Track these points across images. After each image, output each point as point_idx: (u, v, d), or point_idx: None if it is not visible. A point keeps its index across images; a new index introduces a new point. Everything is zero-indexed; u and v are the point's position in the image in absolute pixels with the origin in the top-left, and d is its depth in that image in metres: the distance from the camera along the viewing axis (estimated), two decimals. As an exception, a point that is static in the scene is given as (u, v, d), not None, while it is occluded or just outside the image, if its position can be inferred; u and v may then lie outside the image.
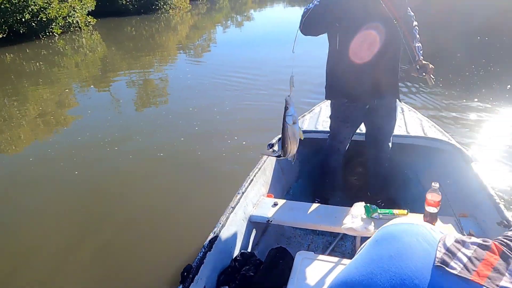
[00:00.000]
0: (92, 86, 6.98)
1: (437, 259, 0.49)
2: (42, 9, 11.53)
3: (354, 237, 1.87)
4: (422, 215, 1.69)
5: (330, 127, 2.13)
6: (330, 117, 2.11)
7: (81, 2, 13.72)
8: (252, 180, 2.01)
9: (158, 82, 7.19)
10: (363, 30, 1.73)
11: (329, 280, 1.30)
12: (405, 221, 0.59)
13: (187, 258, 1.36)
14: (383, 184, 2.27)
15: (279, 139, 2.39)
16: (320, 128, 2.48)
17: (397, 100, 1.99)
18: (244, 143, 3.93)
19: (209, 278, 1.38)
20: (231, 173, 3.24)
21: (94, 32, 13.71)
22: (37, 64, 8.81)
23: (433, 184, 1.59)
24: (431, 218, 1.66)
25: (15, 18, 11.00)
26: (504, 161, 3.27)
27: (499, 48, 7.61)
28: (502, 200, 1.69)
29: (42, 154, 3.97)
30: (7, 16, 10.85)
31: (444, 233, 0.55)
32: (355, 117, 2.02)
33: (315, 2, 1.68)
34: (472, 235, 1.51)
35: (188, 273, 1.25)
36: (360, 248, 0.62)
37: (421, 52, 1.90)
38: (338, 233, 2.01)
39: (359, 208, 1.76)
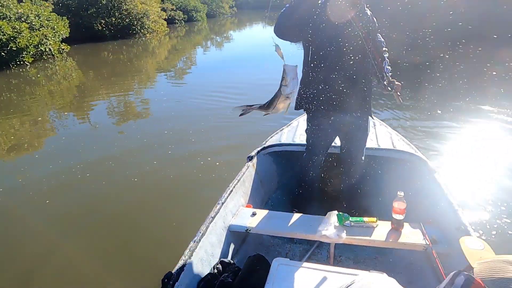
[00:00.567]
0: (67, 113, 7.13)
1: None
2: (11, 38, 11.69)
3: (329, 244, 2.05)
4: (390, 222, 1.91)
5: (306, 139, 2.34)
6: (306, 130, 2.32)
7: (53, 30, 13.97)
8: (231, 191, 2.19)
9: (136, 106, 7.44)
10: (334, 49, 1.92)
11: (304, 286, 1.44)
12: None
13: (168, 266, 1.49)
14: (357, 194, 2.48)
15: (258, 151, 2.64)
16: (297, 141, 2.71)
17: (370, 116, 2.19)
18: (217, 163, 4.15)
19: (189, 285, 1.51)
20: (202, 195, 3.43)
21: (68, 59, 13.92)
22: (8, 94, 8.87)
23: (398, 193, 1.82)
24: (398, 225, 1.88)
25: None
26: (464, 169, 3.67)
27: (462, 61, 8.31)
28: (461, 207, 1.91)
29: (10, 185, 4.04)
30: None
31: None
32: (328, 132, 2.23)
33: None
34: (435, 240, 1.72)
35: (169, 279, 1.38)
36: None
37: (390, 74, 2.08)
38: (315, 241, 2.19)
39: (332, 216, 1.95)
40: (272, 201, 2.74)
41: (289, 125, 3.17)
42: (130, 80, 9.89)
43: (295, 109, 2.21)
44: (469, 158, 3.96)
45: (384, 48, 2.11)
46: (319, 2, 1.91)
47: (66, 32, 14.86)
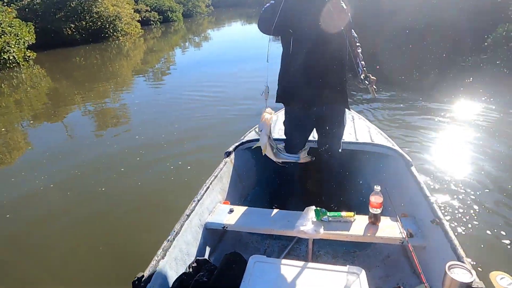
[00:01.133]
0: (33, 122, 7.09)
1: None
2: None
3: (308, 240, 2.12)
4: (368, 216, 2.01)
5: (284, 132, 2.46)
6: (284, 122, 2.43)
7: (17, 36, 13.71)
8: (208, 187, 2.24)
9: (113, 111, 7.47)
10: (314, 40, 2.05)
11: (280, 282, 1.50)
12: None
13: (141, 268, 1.53)
14: (336, 189, 2.59)
15: (236, 146, 2.72)
16: (276, 136, 2.77)
17: (346, 108, 2.33)
18: (189, 167, 4.25)
19: (162, 285, 1.55)
20: (171, 201, 3.52)
21: (36, 66, 13.69)
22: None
23: (375, 187, 1.92)
24: (375, 219, 1.98)
25: None
26: (440, 162, 3.90)
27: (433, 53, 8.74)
28: (436, 200, 2.04)
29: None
30: None
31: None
32: (306, 123, 2.35)
33: (271, 1, 2.01)
34: (411, 234, 1.82)
35: (140, 281, 1.42)
36: None
37: (364, 69, 2.25)
38: (294, 237, 2.28)
39: (310, 212, 2.03)
40: (251, 197, 2.81)
41: None
42: (106, 85, 9.88)
43: (275, 102, 2.34)
44: (444, 148, 4.25)
45: (357, 44, 2.26)
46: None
47: (31, 38, 14.58)
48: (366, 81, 2.20)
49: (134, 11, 24.79)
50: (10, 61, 13.17)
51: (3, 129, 6.62)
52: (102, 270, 2.73)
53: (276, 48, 2.17)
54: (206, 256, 2.01)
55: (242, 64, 10.48)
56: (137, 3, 29.06)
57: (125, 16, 22.31)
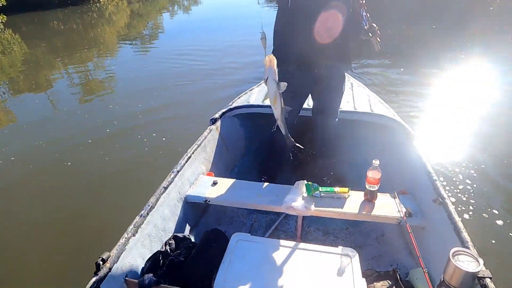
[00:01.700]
0: (5, 91, 6.86)
1: None
2: None
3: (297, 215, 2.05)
4: (364, 192, 1.93)
5: None
6: None
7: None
8: (189, 157, 2.13)
9: (90, 78, 7.28)
10: None
11: (264, 263, 1.43)
12: None
13: (108, 248, 1.44)
14: (330, 161, 2.50)
15: (223, 113, 2.60)
16: (267, 103, 2.67)
17: (346, 73, 2.23)
18: (163, 138, 4.11)
19: (133, 266, 1.47)
20: (144, 175, 3.39)
21: (7, 30, 13.19)
22: None
23: (373, 161, 1.82)
24: (371, 196, 1.90)
25: None
26: (445, 136, 3.79)
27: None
28: (440, 176, 1.94)
29: None
30: None
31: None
32: (301, 87, 2.22)
33: None
34: (410, 213, 1.75)
35: (104, 262, 1.33)
36: None
37: (368, 19, 2.10)
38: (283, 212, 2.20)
39: (300, 186, 1.95)
40: (238, 168, 2.71)
41: (259, 85, 3.15)
42: (88, 52, 9.61)
43: None
44: (447, 120, 4.14)
45: None
46: None
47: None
48: (370, 33, 2.07)
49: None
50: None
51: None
52: (64, 254, 2.59)
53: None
54: (186, 233, 1.93)
55: (233, 29, 10.30)
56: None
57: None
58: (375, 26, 2.07)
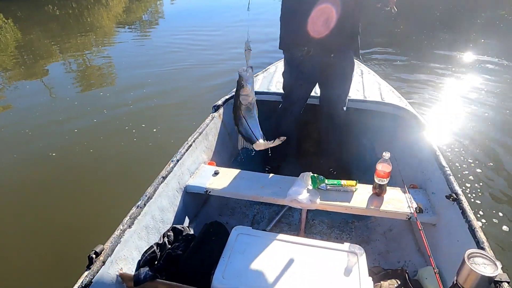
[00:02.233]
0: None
1: None
2: None
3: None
4: (372, 186, 1.89)
5: (283, 85, 2.30)
6: (283, 74, 2.27)
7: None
8: (190, 146, 2.10)
9: (88, 64, 7.21)
10: None
11: (265, 259, 1.40)
12: None
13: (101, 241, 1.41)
14: (336, 151, 2.47)
15: (226, 100, 2.55)
16: (273, 90, 2.64)
17: (356, 60, 2.18)
18: (154, 130, 4.06)
19: (128, 259, 1.45)
20: (141, 166, 3.33)
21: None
22: None
23: (384, 154, 1.77)
24: (380, 190, 1.86)
25: None
26: (460, 127, 3.75)
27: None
28: (454, 170, 1.89)
29: None
30: None
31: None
32: (309, 73, 2.19)
33: None
34: (421, 209, 1.71)
35: (98, 255, 1.30)
36: None
37: None
38: None
39: (306, 178, 1.91)
40: (241, 158, 2.68)
41: (265, 70, 3.12)
42: (85, 37, 9.50)
43: (279, 48, 2.21)
44: (462, 111, 4.10)
45: None
46: None
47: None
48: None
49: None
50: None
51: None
52: (54, 249, 2.53)
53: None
54: (186, 224, 1.91)
55: (235, 15, 10.14)
56: None
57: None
58: None
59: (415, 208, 1.75)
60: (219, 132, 2.45)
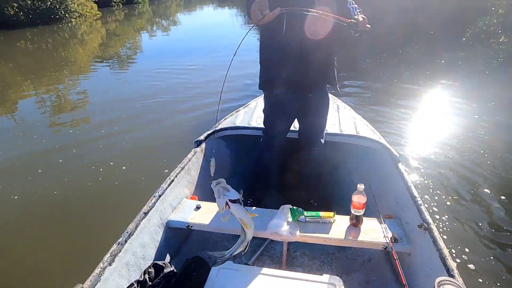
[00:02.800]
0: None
1: None
2: None
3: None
4: (349, 217, 2.00)
5: (264, 121, 2.43)
6: (264, 110, 2.41)
7: None
8: (172, 180, 2.17)
9: (61, 99, 7.28)
10: (307, 18, 1.98)
11: None
12: None
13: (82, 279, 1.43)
14: (316, 183, 2.60)
15: (208, 135, 2.67)
16: (253, 124, 2.77)
17: (333, 94, 2.31)
18: (124, 167, 4.05)
19: None
20: (122, 204, 3.33)
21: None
22: None
23: (358, 186, 1.90)
24: (357, 221, 1.97)
25: None
26: (431, 159, 3.97)
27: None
28: (425, 200, 2.01)
29: None
30: None
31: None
32: (290, 109, 2.34)
33: None
34: (395, 239, 1.82)
35: None
36: None
37: (358, 10, 2.16)
38: None
39: (285, 211, 2.00)
40: None
41: (246, 106, 3.26)
42: (58, 72, 9.57)
43: (259, 88, 2.34)
44: (436, 145, 4.31)
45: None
46: None
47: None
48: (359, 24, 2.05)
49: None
50: None
51: None
52: None
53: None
54: (167, 260, 1.94)
55: (214, 53, 10.46)
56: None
57: (78, -5, 21.94)
58: (357, 18, 2.07)
59: (391, 237, 1.85)
60: (201, 167, 2.54)
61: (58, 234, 3.11)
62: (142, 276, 1.55)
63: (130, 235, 1.72)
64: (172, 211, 2.10)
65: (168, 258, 1.98)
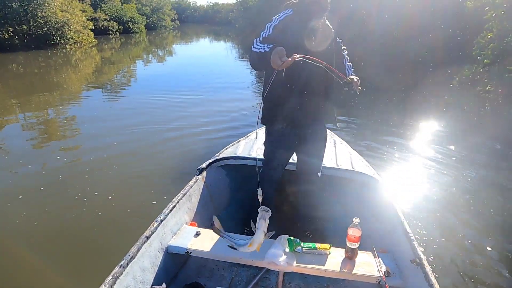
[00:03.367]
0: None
1: None
2: None
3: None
4: (344, 249, 2.09)
5: (264, 153, 2.56)
6: (265, 143, 2.55)
7: None
8: (174, 206, 2.26)
9: (50, 124, 7.29)
10: (305, 70, 2.18)
11: None
12: None
13: None
14: (312, 215, 2.71)
15: (210, 163, 2.81)
16: (253, 155, 2.90)
17: (331, 130, 2.45)
18: (109, 197, 3.98)
19: None
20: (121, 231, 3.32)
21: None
22: None
23: (353, 219, 1.99)
24: (352, 253, 2.06)
25: None
26: (424, 195, 4.10)
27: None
28: (418, 234, 2.11)
29: None
30: None
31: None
32: (290, 143, 2.48)
33: (265, 48, 2.11)
34: (389, 273, 1.91)
35: None
36: None
37: (352, 70, 2.43)
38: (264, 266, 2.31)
39: (283, 241, 2.10)
40: (222, 218, 2.84)
41: (247, 137, 3.42)
42: (48, 96, 9.66)
43: (261, 123, 2.49)
44: (429, 182, 4.47)
45: (343, 47, 2.45)
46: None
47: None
48: (350, 85, 2.25)
49: (91, 19, 25.19)
50: None
51: None
52: None
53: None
54: (165, 285, 1.98)
55: (210, 84, 10.74)
56: (95, 11, 30.03)
57: (75, 23, 22.45)
58: (352, 78, 2.27)
59: (384, 272, 1.92)
60: (201, 194, 2.65)
61: (56, 257, 3.07)
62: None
63: (132, 258, 1.79)
64: (172, 236, 2.17)
65: (165, 283, 2.03)
